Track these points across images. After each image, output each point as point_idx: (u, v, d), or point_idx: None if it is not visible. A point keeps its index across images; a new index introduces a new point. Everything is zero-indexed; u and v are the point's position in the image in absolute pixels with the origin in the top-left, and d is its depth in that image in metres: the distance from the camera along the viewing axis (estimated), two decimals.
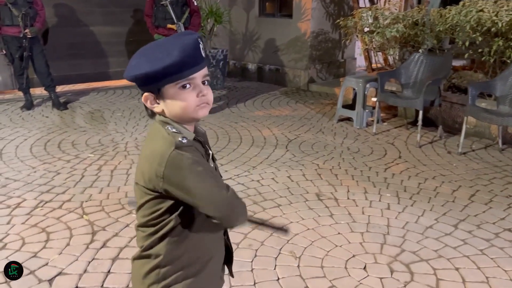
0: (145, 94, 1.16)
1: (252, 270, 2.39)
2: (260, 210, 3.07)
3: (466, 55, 4.67)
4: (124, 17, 6.91)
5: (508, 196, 3.30)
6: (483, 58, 4.52)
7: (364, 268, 2.43)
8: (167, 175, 1.08)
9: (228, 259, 1.35)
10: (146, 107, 1.19)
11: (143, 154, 1.18)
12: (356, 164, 3.91)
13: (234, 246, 1.46)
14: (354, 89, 5.21)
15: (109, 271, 2.37)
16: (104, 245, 2.62)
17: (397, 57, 5.77)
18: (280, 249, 2.59)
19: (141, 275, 1.21)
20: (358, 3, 6.58)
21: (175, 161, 1.07)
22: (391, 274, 2.37)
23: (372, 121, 5.01)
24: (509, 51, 4.30)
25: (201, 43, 1.14)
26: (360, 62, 7.67)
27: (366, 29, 5.64)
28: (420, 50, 5.10)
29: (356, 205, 3.16)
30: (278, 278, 2.33)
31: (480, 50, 4.52)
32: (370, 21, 5.29)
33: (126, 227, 2.82)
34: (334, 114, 5.33)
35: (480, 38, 4.37)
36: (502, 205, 3.15)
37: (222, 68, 7.01)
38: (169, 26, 4.94)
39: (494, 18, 4.13)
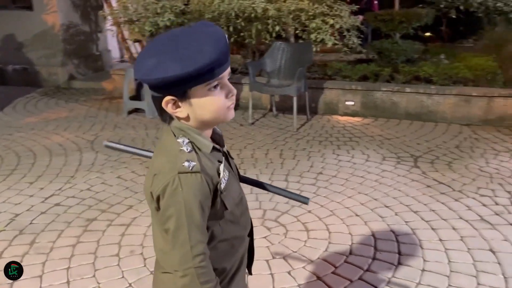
0: (167, 98, 1.01)
1: None
2: (115, 217, 2.86)
3: (232, 40, 5.31)
4: None
5: (303, 149, 4.08)
6: (246, 41, 5.26)
7: None
8: (160, 199, 1.01)
9: (249, 259, 1.31)
10: (161, 111, 1.04)
11: (151, 164, 1.08)
12: None
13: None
14: (135, 79, 5.17)
15: None
16: None
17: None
18: None
19: None
20: None
21: (172, 188, 0.98)
22: (270, 231, 2.70)
23: None
24: (265, 33, 5.15)
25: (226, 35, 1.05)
26: (115, 53, 7.53)
27: (134, 19, 5.60)
28: None
29: None
30: None
31: (242, 34, 5.23)
32: (140, 10, 5.29)
33: None
34: (121, 108, 5.17)
35: (242, 24, 5.06)
36: (304, 157, 3.89)
37: None
38: None
39: (253, 5, 4.85)
